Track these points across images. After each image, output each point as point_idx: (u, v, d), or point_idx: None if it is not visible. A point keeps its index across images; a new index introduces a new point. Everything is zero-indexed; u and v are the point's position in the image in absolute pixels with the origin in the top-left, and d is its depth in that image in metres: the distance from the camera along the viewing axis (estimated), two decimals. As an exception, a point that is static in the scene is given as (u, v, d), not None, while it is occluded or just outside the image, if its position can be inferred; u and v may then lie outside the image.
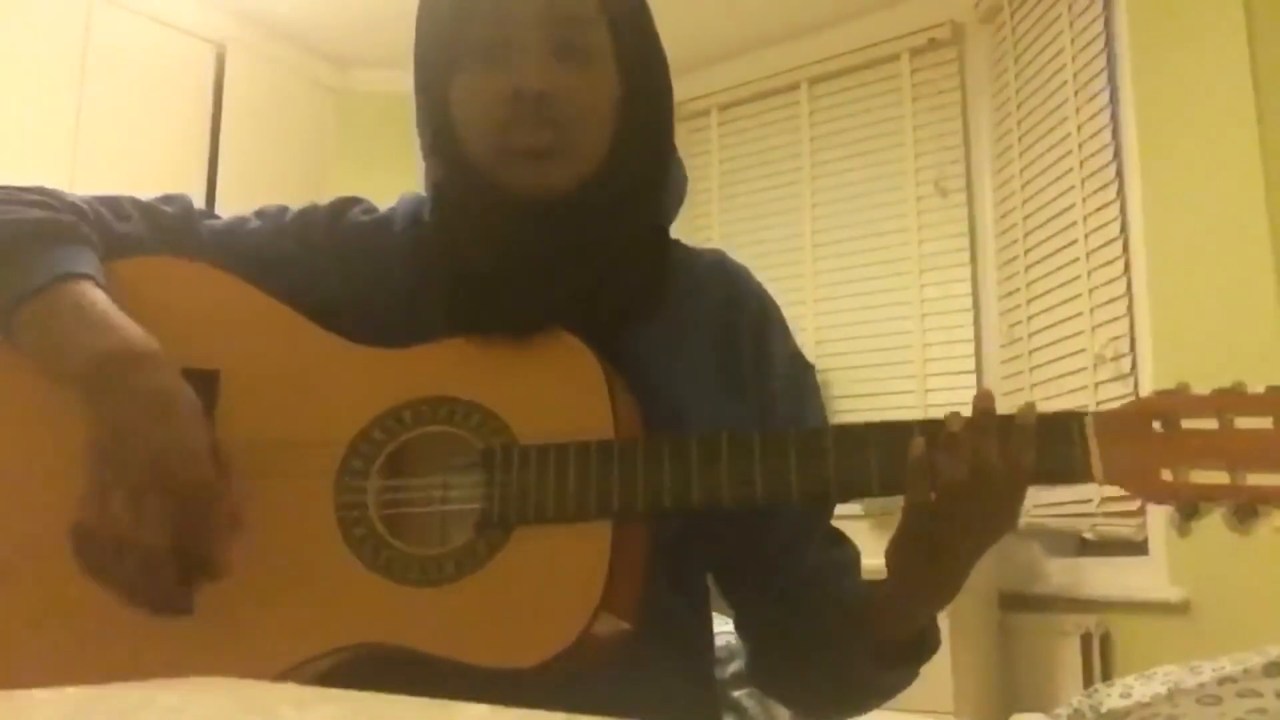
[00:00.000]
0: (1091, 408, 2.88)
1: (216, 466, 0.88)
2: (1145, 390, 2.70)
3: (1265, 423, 0.82)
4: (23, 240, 0.94)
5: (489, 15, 0.94)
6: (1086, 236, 2.97)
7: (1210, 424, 0.83)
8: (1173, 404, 0.84)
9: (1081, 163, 3.01)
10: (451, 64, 0.96)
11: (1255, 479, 0.81)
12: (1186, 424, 0.84)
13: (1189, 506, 0.82)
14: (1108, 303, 2.86)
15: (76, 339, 0.89)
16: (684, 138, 4.15)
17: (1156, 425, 0.84)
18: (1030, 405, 0.83)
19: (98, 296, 0.92)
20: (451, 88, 0.96)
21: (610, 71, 0.96)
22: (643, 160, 0.98)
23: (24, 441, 0.95)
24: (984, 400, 0.84)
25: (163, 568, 0.84)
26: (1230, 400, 0.83)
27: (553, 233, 0.94)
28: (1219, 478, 0.82)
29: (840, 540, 1.03)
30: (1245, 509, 0.80)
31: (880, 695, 0.98)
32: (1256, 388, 0.83)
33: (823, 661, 0.97)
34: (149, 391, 0.87)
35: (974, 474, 0.81)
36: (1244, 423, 0.82)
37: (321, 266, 1.01)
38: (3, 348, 0.95)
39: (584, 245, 0.95)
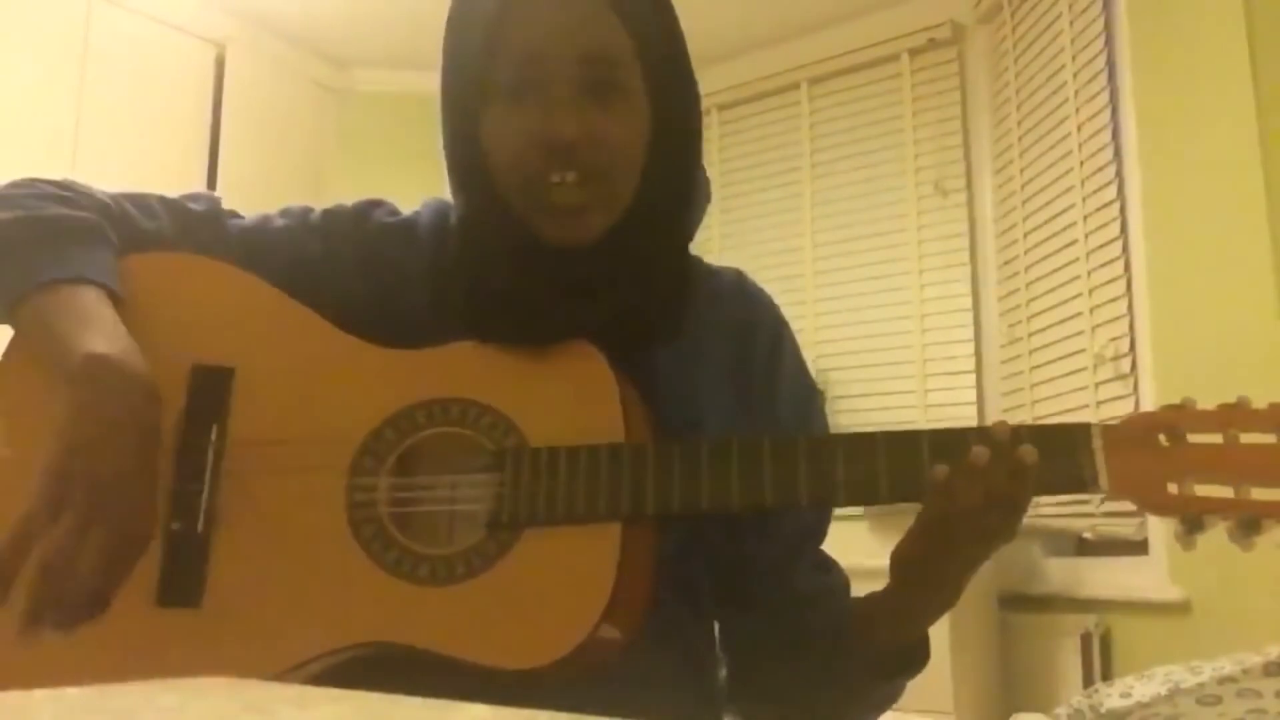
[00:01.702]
0: (1092, 408, 2.89)
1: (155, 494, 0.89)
2: (1145, 390, 2.71)
3: (1270, 438, 0.83)
4: (36, 237, 0.95)
5: (521, 54, 0.94)
6: (1086, 236, 2.97)
7: (1216, 439, 0.84)
8: (1179, 418, 0.85)
9: (1081, 163, 3.01)
10: (482, 100, 0.96)
11: (1259, 494, 0.82)
12: (1192, 438, 0.85)
13: (1193, 520, 0.83)
14: (1108, 303, 2.86)
15: (71, 340, 0.89)
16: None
17: (1162, 439, 0.85)
18: (1031, 450, 0.82)
19: (99, 303, 0.93)
20: (482, 123, 0.96)
21: (642, 108, 0.96)
22: (671, 190, 0.99)
23: (31, 434, 0.95)
24: (1001, 432, 0.84)
25: (82, 604, 0.84)
26: (1236, 415, 0.84)
27: (579, 272, 0.95)
28: (1223, 492, 0.83)
29: (830, 567, 1.03)
30: (1249, 523, 0.81)
31: (865, 711, 0.99)
32: (1261, 404, 0.84)
33: (806, 681, 0.98)
34: (117, 416, 0.86)
35: (987, 497, 0.83)
36: (1249, 438, 0.83)
37: (344, 267, 1.02)
38: (17, 340, 0.96)
39: (609, 277, 0.96)
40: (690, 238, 1.04)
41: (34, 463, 0.89)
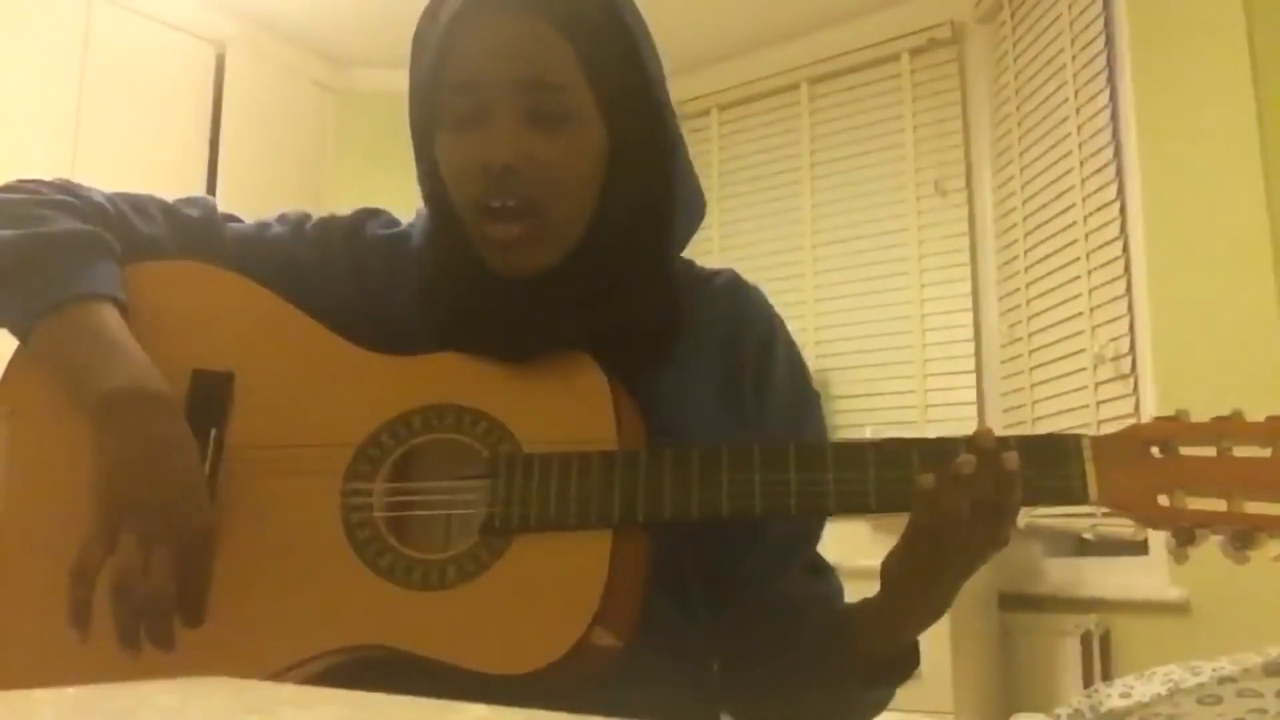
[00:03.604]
0: (1092, 407, 2.89)
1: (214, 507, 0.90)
2: (1145, 390, 2.70)
3: (1263, 452, 0.82)
4: (42, 256, 0.95)
5: (463, 80, 0.93)
6: (1086, 236, 2.97)
7: (1209, 451, 0.83)
8: (1171, 430, 0.85)
9: (1081, 163, 3.00)
10: (433, 124, 0.96)
11: (1252, 507, 0.81)
12: (1185, 450, 0.84)
13: (1185, 532, 0.82)
14: (1108, 303, 2.86)
15: (88, 368, 0.91)
16: (684, 138, 4.13)
17: (1155, 451, 0.85)
18: (1013, 456, 0.83)
19: (112, 322, 0.93)
20: (436, 149, 0.96)
21: (593, 131, 0.94)
22: (636, 210, 0.97)
23: (43, 447, 0.96)
24: (986, 440, 0.84)
25: (166, 612, 0.85)
26: (1229, 428, 0.83)
27: (533, 301, 0.95)
28: (1216, 505, 0.82)
29: (822, 570, 1.03)
30: (1242, 536, 0.81)
31: (854, 717, 0.99)
32: (1255, 417, 0.84)
33: (795, 685, 0.98)
34: (154, 438, 0.88)
35: (974, 506, 0.83)
36: (1242, 451, 0.83)
37: (338, 276, 1.02)
38: (27, 354, 0.97)
39: (572, 302, 0.95)
40: (673, 252, 1.03)
41: (56, 473, 0.91)
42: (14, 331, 0.97)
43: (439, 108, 0.95)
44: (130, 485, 0.86)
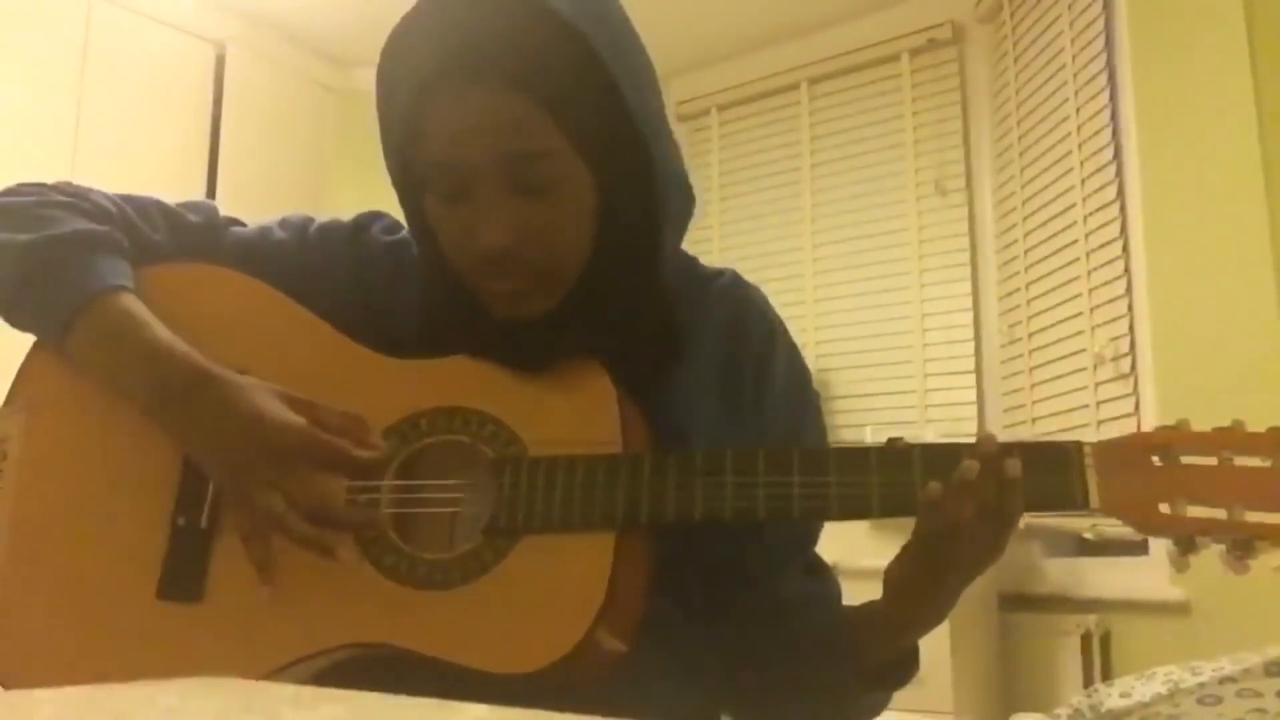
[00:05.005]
0: (1092, 407, 2.89)
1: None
2: (1145, 390, 2.71)
3: (1264, 462, 0.82)
4: (58, 255, 0.96)
5: (441, 159, 0.90)
6: (1086, 236, 2.97)
7: (1210, 460, 0.84)
8: (1172, 439, 0.85)
9: (1081, 163, 3.01)
10: (418, 185, 0.94)
11: (1252, 516, 0.82)
12: (1186, 459, 0.85)
13: (1185, 540, 0.83)
14: (1108, 303, 2.86)
15: (130, 367, 0.93)
16: (684, 138, 4.15)
17: (1156, 459, 0.85)
18: (1016, 463, 0.83)
19: (134, 309, 0.95)
20: (424, 204, 0.95)
21: (581, 182, 0.91)
22: (632, 233, 0.96)
23: (61, 441, 0.97)
24: (988, 446, 0.84)
25: (329, 521, 0.89)
26: (1230, 438, 0.84)
27: (539, 336, 0.94)
28: (1216, 514, 0.83)
29: (820, 571, 1.03)
30: (1242, 545, 0.82)
31: (852, 718, 0.99)
32: (1257, 427, 0.84)
33: (793, 687, 0.98)
34: (221, 402, 0.91)
35: (979, 511, 0.83)
36: (1243, 461, 0.83)
37: (340, 281, 1.03)
38: (49, 353, 0.98)
39: (579, 328, 0.95)
40: (667, 258, 1.01)
41: (71, 468, 0.94)
42: (45, 340, 0.98)
43: (420, 175, 0.93)
44: (232, 452, 0.90)
